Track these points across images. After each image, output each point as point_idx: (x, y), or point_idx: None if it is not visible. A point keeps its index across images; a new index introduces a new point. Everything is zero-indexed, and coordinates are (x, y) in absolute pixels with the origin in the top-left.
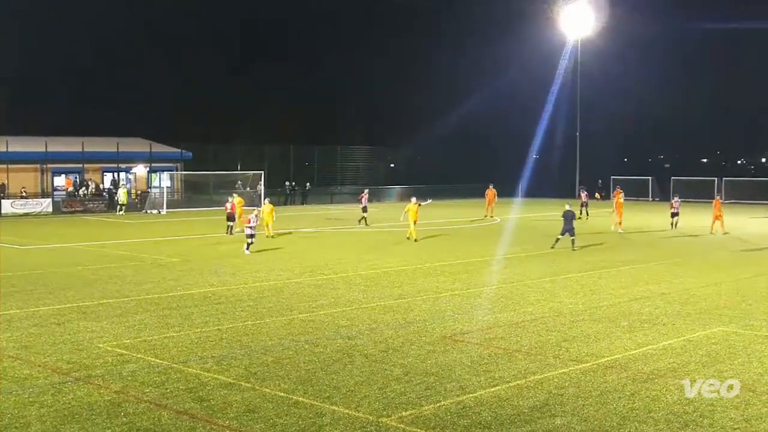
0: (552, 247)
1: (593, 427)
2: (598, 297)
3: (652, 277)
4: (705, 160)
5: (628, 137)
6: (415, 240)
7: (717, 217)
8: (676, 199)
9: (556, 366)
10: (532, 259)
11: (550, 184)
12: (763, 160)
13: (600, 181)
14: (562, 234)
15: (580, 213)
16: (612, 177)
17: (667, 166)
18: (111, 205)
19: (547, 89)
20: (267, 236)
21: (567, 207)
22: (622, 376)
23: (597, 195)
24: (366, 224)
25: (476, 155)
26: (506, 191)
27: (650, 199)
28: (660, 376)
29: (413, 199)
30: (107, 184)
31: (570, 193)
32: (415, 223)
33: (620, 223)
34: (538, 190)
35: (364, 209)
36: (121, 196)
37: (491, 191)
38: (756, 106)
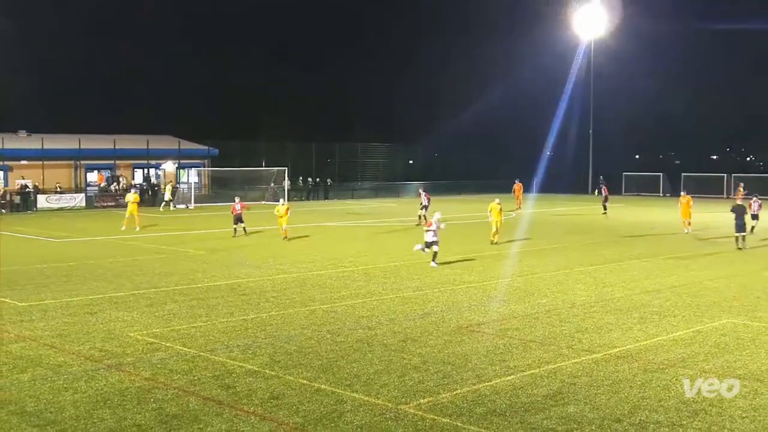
0: (739, 248)
1: (605, 414)
2: (610, 289)
3: (663, 271)
4: (715, 157)
5: (639, 135)
6: (495, 243)
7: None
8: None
9: (569, 356)
10: (547, 253)
11: (563, 181)
12: None
13: (601, 176)
14: (738, 231)
15: (604, 209)
16: (624, 173)
17: (677, 162)
18: (142, 200)
19: (561, 88)
20: (282, 238)
21: (738, 202)
22: (633, 366)
23: (602, 189)
24: (425, 220)
25: (492, 152)
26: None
27: (661, 195)
28: (670, 366)
29: (497, 200)
30: (138, 179)
31: (583, 189)
32: (497, 225)
33: (689, 223)
34: (551, 186)
35: (425, 207)
36: (167, 192)
37: (518, 185)
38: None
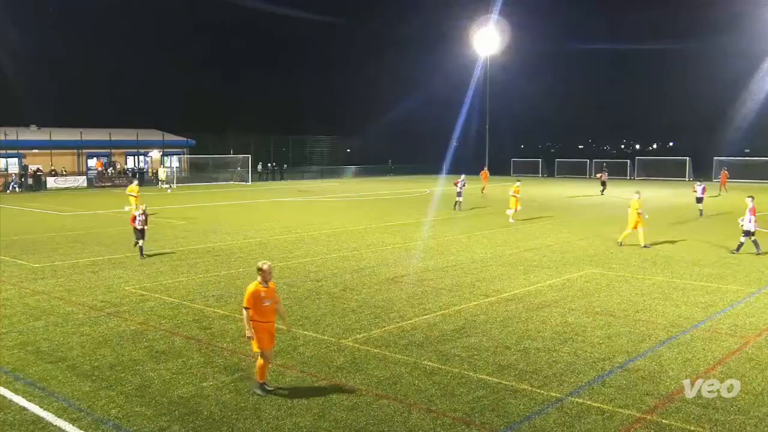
0: None
1: (497, 343)
2: (501, 248)
3: (542, 233)
4: (581, 147)
5: (523, 129)
6: (644, 246)
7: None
8: (605, 173)
9: (471, 299)
10: (454, 221)
11: (466, 165)
12: (638, 146)
13: (604, 164)
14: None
15: (602, 192)
16: (512, 159)
17: (552, 151)
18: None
19: (464, 92)
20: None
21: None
22: (519, 306)
23: (599, 175)
24: (460, 209)
25: (412, 142)
26: (433, 170)
27: (540, 176)
28: (546, 306)
29: (636, 195)
30: (130, 164)
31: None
32: (636, 227)
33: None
34: (457, 169)
35: (459, 194)
36: (161, 174)
37: (485, 172)
38: (619, 105)
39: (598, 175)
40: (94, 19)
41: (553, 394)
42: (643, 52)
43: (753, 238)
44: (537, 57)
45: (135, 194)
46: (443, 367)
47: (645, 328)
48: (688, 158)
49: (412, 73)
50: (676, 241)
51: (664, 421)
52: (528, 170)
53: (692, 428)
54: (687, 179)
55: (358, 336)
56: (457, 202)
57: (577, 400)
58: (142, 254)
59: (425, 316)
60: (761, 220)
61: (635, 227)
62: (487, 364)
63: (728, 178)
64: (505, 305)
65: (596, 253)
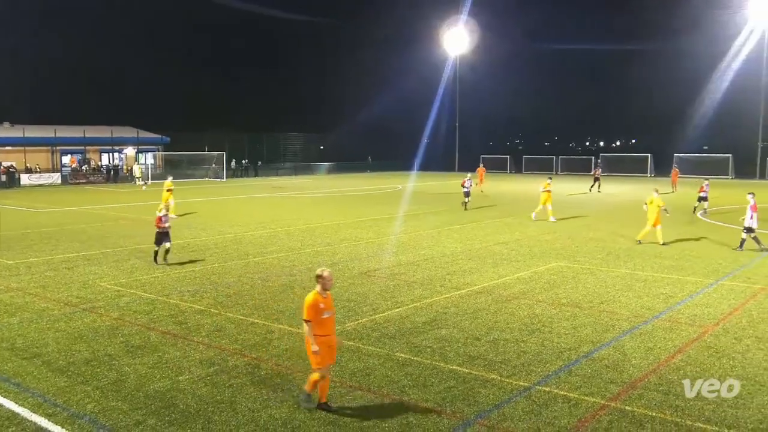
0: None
1: (468, 335)
2: (471, 242)
3: (510, 228)
4: (547, 144)
5: (492, 127)
6: (663, 243)
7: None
8: (599, 170)
9: (442, 292)
10: (425, 216)
11: (437, 161)
12: (602, 143)
13: (598, 160)
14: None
15: (599, 188)
16: (481, 156)
17: (520, 148)
18: (109, 178)
19: (435, 91)
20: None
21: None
22: (488, 298)
23: (594, 171)
24: (466, 209)
25: (384, 140)
26: (404, 167)
27: (508, 172)
28: (515, 298)
29: (655, 194)
30: (104, 161)
31: (450, 167)
32: (655, 224)
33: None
34: (427, 166)
35: (467, 194)
36: (136, 171)
37: (481, 168)
38: (584, 104)
39: (593, 171)
40: (68, 17)
41: (522, 384)
42: (608, 52)
43: (754, 235)
44: (505, 57)
45: (169, 188)
46: (415, 358)
47: (609, 319)
48: (649, 155)
49: (384, 73)
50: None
51: (627, 407)
52: (496, 167)
53: (654, 414)
54: (648, 175)
55: None
56: (464, 201)
57: (544, 388)
58: (166, 259)
59: (397, 309)
60: (720, 214)
61: (654, 225)
62: (457, 355)
63: (680, 175)
64: (474, 298)
65: (562, 246)
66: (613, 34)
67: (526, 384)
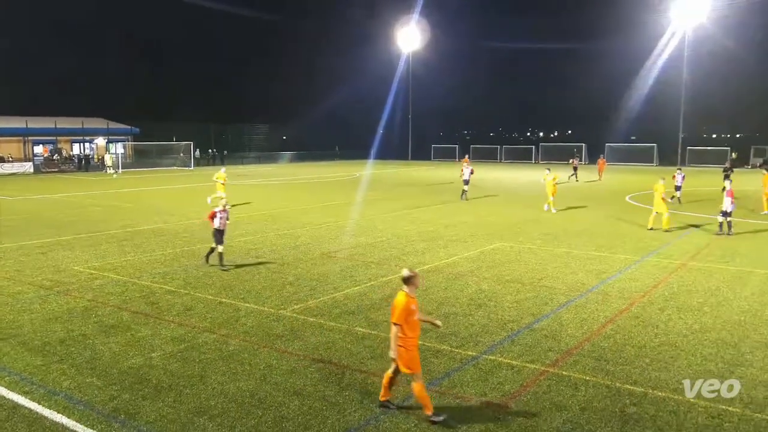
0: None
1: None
2: (424, 225)
3: (459, 211)
4: (492, 134)
5: (443, 118)
6: (666, 230)
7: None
8: (576, 159)
9: (396, 271)
10: (382, 200)
11: (391, 151)
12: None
13: (575, 149)
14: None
15: (575, 177)
16: (432, 145)
17: (468, 138)
18: (80, 167)
19: (389, 85)
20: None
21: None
22: (440, 276)
23: (572, 161)
24: (466, 199)
25: (342, 130)
26: (362, 156)
27: (457, 160)
28: (463, 276)
29: (661, 181)
30: (76, 151)
31: (403, 155)
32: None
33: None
34: (383, 155)
35: (466, 182)
36: (108, 160)
37: (466, 160)
38: (526, 97)
39: (571, 161)
40: (38, 9)
41: (470, 353)
42: (547, 51)
43: (729, 219)
44: (454, 54)
45: (223, 181)
46: (373, 332)
47: (548, 293)
48: (584, 144)
49: (343, 68)
50: (575, 217)
51: (564, 372)
52: (446, 155)
53: (588, 378)
54: (583, 162)
55: (295, 307)
56: (464, 191)
57: (490, 357)
58: (222, 263)
59: (356, 287)
60: (649, 198)
61: (662, 210)
62: None
63: (608, 164)
64: (426, 276)
65: (506, 228)
66: (552, 34)
67: (473, 353)
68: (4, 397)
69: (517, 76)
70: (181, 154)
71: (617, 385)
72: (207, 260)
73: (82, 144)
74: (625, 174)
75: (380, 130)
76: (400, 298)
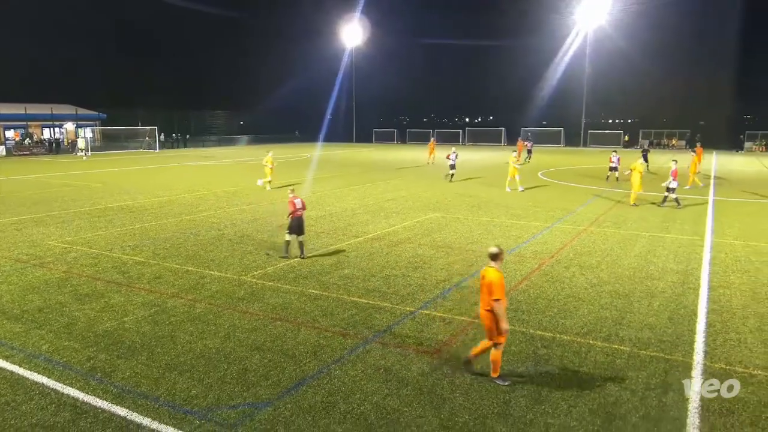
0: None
1: (366, 273)
2: (367, 199)
3: (398, 187)
4: (425, 120)
5: (383, 105)
6: (633, 204)
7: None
8: (530, 142)
9: (344, 240)
10: (330, 179)
11: (338, 134)
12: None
13: (528, 134)
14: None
15: (528, 158)
16: (374, 129)
17: (405, 123)
18: (51, 150)
19: (335, 76)
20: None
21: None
22: (381, 243)
23: (526, 143)
24: (451, 180)
25: (294, 116)
26: (311, 138)
27: (395, 143)
28: (402, 243)
29: (640, 161)
30: (46, 135)
31: (349, 139)
32: (639, 189)
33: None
34: (330, 137)
35: (452, 166)
36: (80, 143)
37: (432, 142)
38: (455, 87)
39: (525, 144)
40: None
41: (408, 309)
42: (472, 47)
43: (674, 195)
44: (392, 48)
45: (271, 165)
46: (324, 293)
47: (474, 256)
48: (503, 128)
49: (293, 60)
50: (496, 192)
51: None
52: (386, 138)
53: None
54: (502, 144)
55: (255, 273)
56: (449, 173)
57: (425, 311)
58: (302, 254)
59: (309, 255)
60: (557, 174)
61: (639, 189)
62: (357, 289)
63: (526, 147)
64: (370, 243)
65: (438, 201)
66: (477, 32)
67: (411, 309)
68: None
69: (447, 69)
70: (147, 138)
71: (531, 331)
72: (287, 251)
73: (52, 129)
74: (538, 154)
75: (328, 116)
76: (494, 274)
